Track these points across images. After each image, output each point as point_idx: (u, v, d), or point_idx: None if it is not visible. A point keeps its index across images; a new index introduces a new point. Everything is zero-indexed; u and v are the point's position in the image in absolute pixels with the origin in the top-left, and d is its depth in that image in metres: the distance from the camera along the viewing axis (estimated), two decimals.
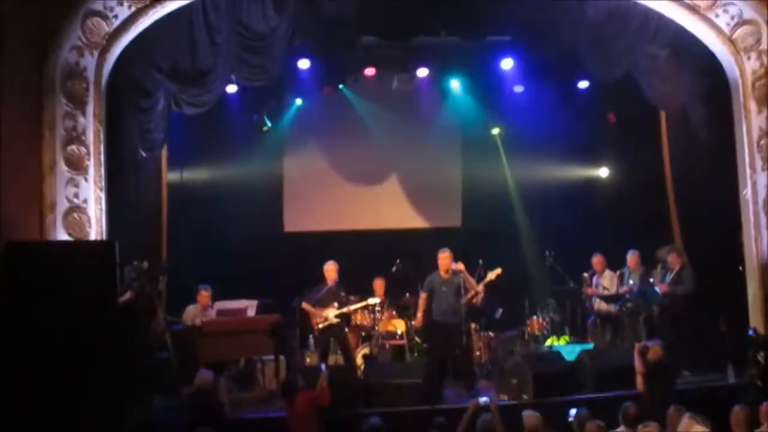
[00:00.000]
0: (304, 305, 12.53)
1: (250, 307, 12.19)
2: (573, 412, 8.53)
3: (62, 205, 10.63)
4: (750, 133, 11.98)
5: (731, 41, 11.94)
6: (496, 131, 15.85)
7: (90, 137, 10.80)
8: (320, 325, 12.40)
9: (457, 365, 11.74)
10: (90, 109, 10.82)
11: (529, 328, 13.67)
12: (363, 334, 13.16)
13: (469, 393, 10.97)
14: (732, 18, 11.88)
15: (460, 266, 11.65)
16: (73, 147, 10.73)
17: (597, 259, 13.35)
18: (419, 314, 11.83)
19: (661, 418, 8.05)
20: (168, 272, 11.88)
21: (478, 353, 12.67)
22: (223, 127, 14.31)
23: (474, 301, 11.80)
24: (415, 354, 13.06)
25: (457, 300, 11.43)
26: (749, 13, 11.85)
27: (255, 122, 14.68)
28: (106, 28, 10.88)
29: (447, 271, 11.61)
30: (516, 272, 12.88)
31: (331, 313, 12.35)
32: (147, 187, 12.34)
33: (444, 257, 11.69)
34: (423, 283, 12.25)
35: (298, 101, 14.95)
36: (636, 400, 8.86)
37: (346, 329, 12.72)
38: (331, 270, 12.58)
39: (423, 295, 11.84)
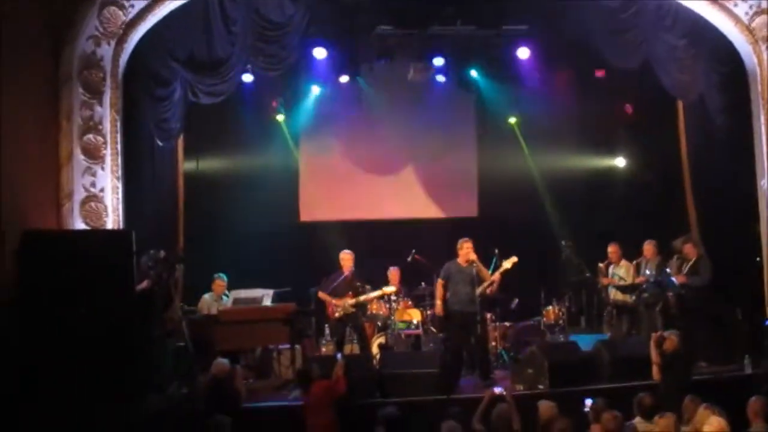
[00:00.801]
0: (321, 294, 12.53)
1: (266, 296, 12.23)
2: (589, 402, 8.50)
3: (79, 194, 10.71)
4: None
5: (750, 30, 11.91)
6: (513, 120, 15.81)
7: (107, 126, 10.88)
8: (337, 314, 12.41)
9: (473, 354, 11.74)
10: (107, 98, 10.90)
11: (545, 318, 13.65)
12: (379, 323, 13.15)
13: (485, 383, 10.96)
14: (750, 7, 11.85)
15: (473, 256, 11.59)
16: (90, 136, 10.81)
17: (613, 249, 13.27)
18: (438, 302, 11.75)
19: (678, 408, 8.05)
20: (184, 261, 11.90)
21: (493, 343, 12.66)
22: (240, 117, 14.32)
23: (489, 290, 11.77)
24: (431, 344, 13.05)
25: (474, 289, 11.39)
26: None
27: (272, 109, 14.71)
28: (123, 17, 10.94)
29: (467, 261, 11.54)
30: (532, 262, 12.84)
31: (348, 302, 12.35)
32: (163, 177, 12.38)
33: (467, 247, 11.54)
34: (439, 272, 12.29)
35: (315, 90, 14.92)
36: (652, 390, 8.84)
37: (363, 318, 12.72)
38: (347, 259, 12.57)
39: (440, 282, 11.73)
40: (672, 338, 9.88)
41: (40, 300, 9.03)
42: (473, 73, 14.95)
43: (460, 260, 11.56)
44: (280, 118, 15.06)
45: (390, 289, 12.88)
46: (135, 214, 11.26)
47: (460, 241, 11.66)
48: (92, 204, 10.75)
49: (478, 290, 11.48)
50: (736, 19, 11.90)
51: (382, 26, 12.65)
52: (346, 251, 12.66)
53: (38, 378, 8.81)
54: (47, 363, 8.88)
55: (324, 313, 12.79)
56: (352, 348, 12.65)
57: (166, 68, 11.42)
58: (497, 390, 8.85)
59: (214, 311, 11.84)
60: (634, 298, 12.77)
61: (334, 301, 12.41)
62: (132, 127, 11.34)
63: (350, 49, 13.22)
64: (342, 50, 13.32)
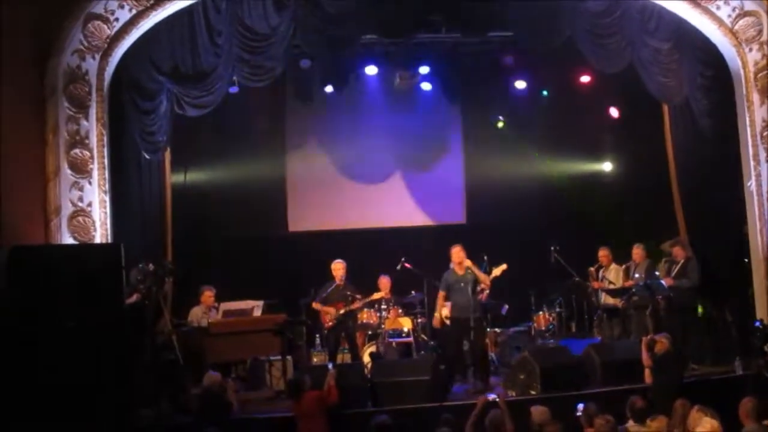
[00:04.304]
0: (315, 304, 12.53)
1: (256, 307, 12.19)
2: (581, 406, 8.50)
3: (67, 209, 10.68)
4: (753, 125, 12.01)
5: (733, 33, 11.96)
6: (501, 124, 15.85)
7: (93, 140, 10.86)
8: (330, 323, 12.40)
9: (474, 359, 11.71)
10: (93, 112, 10.88)
11: (535, 324, 13.67)
12: (369, 332, 13.13)
13: (484, 387, 10.93)
14: (733, 10, 11.91)
15: (468, 262, 11.56)
16: (77, 151, 10.78)
17: (603, 253, 13.31)
18: (437, 314, 11.76)
19: (670, 411, 8.06)
20: (174, 273, 11.86)
21: None
22: (226, 128, 14.30)
23: (482, 297, 11.77)
24: (422, 352, 13.05)
25: (472, 295, 11.34)
26: (750, 4, 11.89)
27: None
28: (107, 31, 10.94)
29: (461, 266, 11.50)
30: (521, 268, 12.84)
31: (340, 311, 12.35)
32: (151, 189, 12.34)
33: (456, 251, 11.50)
34: (428, 280, 12.26)
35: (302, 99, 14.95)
36: (644, 393, 8.85)
37: (354, 327, 12.71)
38: (338, 268, 12.56)
39: (441, 294, 11.72)
40: (663, 341, 9.91)
41: (29, 315, 8.99)
42: (458, 80, 14.99)
43: (455, 267, 11.54)
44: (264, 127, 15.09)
45: (379, 294, 12.84)
46: (123, 227, 11.23)
47: (452, 247, 11.65)
48: (80, 218, 10.72)
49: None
50: (719, 21, 11.95)
51: (368, 35, 12.66)
52: (338, 260, 12.66)
53: (28, 391, 8.77)
54: (37, 378, 8.84)
55: (315, 323, 12.78)
56: (342, 357, 12.64)
57: (151, 81, 11.40)
58: (490, 396, 8.84)
59: (204, 323, 11.80)
60: (623, 301, 12.79)
61: (327, 311, 12.40)
62: (119, 141, 11.31)
63: (336, 58, 13.23)
64: (328, 60, 13.33)
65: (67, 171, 10.72)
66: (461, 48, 14.03)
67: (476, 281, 11.44)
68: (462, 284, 11.41)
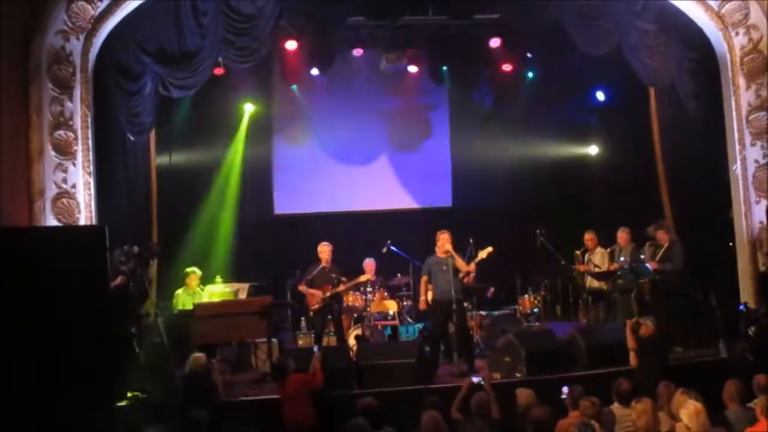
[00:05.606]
0: (300, 287, 12.51)
1: (241, 289, 12.17)
2: (566, 389, 8.52)
3: (51, 191, 10.61)
4: (739, 109, 12.02)
5: (719, 16, 11.95)
6: (487, 108, 15.82)
7: (77, 122, 10.77)
8: (316, 306, 12.38)
9: (451, 344, 11.75)
10: (77, 93, 10.79)
11: (520, 307, 13.69)
12: (355, 315, 13.14)
13: (470, 370, 10.95)
14: None
15: (448, 247, 11.57)
16: (61, 132, 10.70)
17: (589, 236, 13.32)
18: (422, 297, 11.78)
19: (655, 393, 8.09)
20: (158, 256, 11.82)
21: (470, 332, 12.67)
22: (212, 110, 14.24)
23: (466, 280, 11.77)
24: (407, 334, 13.07)
25: (452, 279, 11.36)
26: None
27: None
28: (92, 11, 10.84)
29: (445, 252, 11.52)
30: (507, 251, 12.85)
31: (327, 294, 12.33)
32: (136, 171, 12.30)
33: (443, 238, 11.55)
34: (413, 263, 12.25)
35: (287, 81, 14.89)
36: (629, 376, 8.87)
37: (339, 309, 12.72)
38: (324, 251, 12.52)
39: (424, 279, 11.77)
40: (648, 324, 9.94)
41: (11, 298, 8.93)
42: (445, 62, 14.97)
43: (438, 252, 11.56)
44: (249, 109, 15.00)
45: (365, 276, 12.84)
46: (108, 209, 11.18)
47: (438, 232, 11.66)
48: (64, 200, 10.65)
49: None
50: (706, 5, 11.94)
51: (354, 17, 12.61)
52: (324, 243, 12.62)
53: (10, 375, 8.72)
54: (20, 360, 8.79)
55: (301, 306, 12.77)
56: (328, 340, 12.64)
57: (136, 62, 11.32)
58: (475, 379, 8.85)
59: (189, 306, 11.77)
60: (609, 284, 12.82)
61: (313, 293, 12.37)
62: (103, 122, 11.24)
63: (322, 40, 13.17)
64: (314, 42, 13.28)
65: (51, 152, 10.64)
66: (448, 30, 13.99)
67: (455, 266, 11.46)
68: (444, 267, 11.43)
